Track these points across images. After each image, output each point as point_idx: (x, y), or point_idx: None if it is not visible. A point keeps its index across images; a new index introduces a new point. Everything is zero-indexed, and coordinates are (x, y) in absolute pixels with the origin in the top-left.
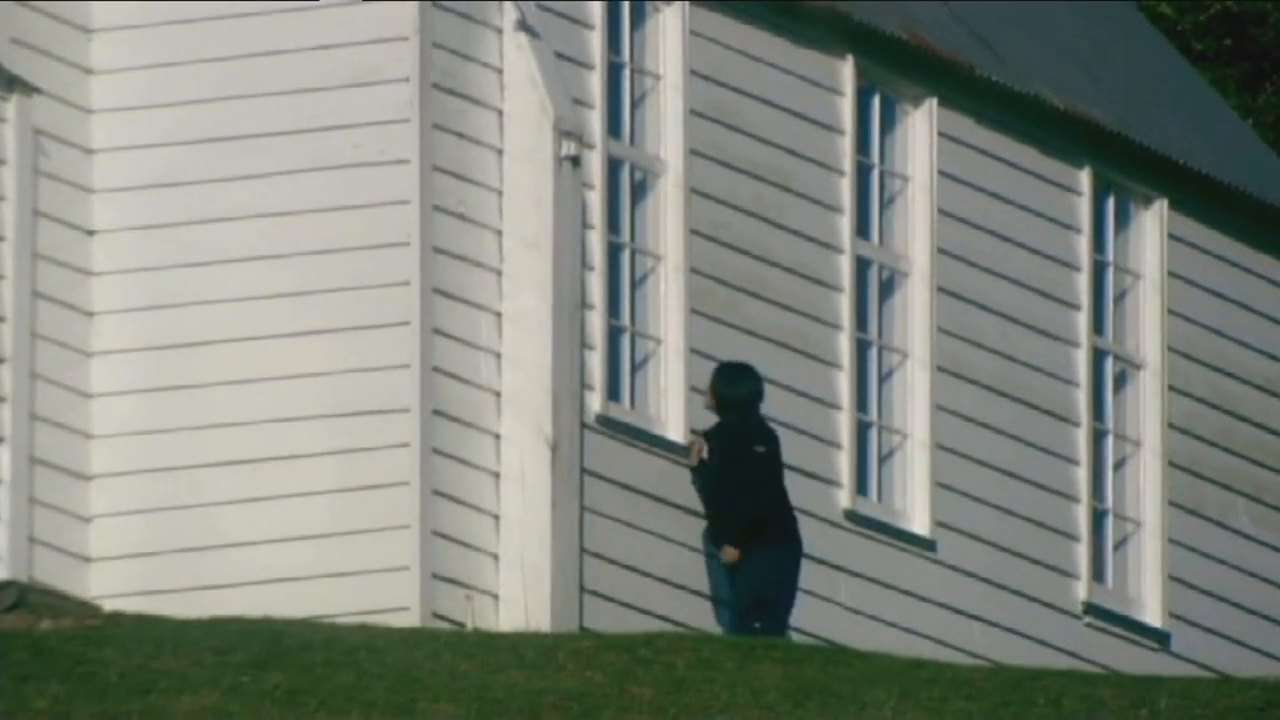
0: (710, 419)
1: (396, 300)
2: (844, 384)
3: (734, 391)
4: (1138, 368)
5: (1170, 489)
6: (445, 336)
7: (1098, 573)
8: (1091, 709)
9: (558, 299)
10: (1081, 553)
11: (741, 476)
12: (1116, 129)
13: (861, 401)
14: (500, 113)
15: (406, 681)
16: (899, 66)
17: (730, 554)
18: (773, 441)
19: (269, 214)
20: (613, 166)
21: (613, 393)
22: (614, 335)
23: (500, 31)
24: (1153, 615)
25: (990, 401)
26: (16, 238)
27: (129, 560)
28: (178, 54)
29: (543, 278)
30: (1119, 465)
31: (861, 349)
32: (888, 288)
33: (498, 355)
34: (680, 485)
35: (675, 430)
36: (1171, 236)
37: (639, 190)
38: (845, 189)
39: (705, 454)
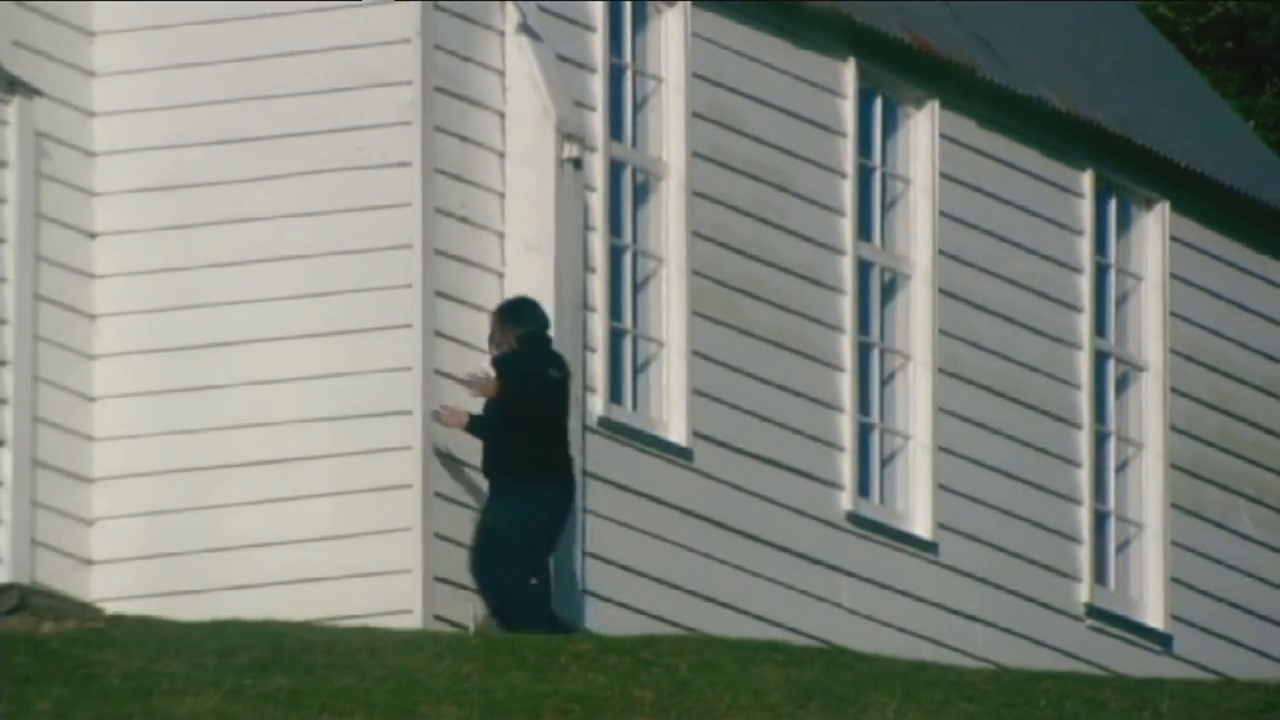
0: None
1: (398, 303)
2: (846, 386)
3: (525, 325)
4: (1139, 370)
5: (1172, 491)
6: (447, 339)
7: (1100, 575)
8: (1093, 711)
9: (559, 301)
10: (1083, 555)
11: (535, 400)
12: (1118, 131)
13: (863, 403)
14: (502, 115)
15: (408, 684)
16: (900, 69)
17: (454, 413)
18: (564, 368)
19: (271, 217)
20: (614, 169)
21: (615, 395)
22: (616, 337)
23: (502, 34)
24: (1155, 617)
25: (992, 404)
26: (18, 240)
27: (131, 563)
28: (179, 56)
29: (544, 280)
30: (1121, 467)
31: (863, 351)
32: (889, 290)
33: None
34: (682, 487)
35: (677, 433)
36: (1173, 239)
37: (641, 192)
38: (847, 191)
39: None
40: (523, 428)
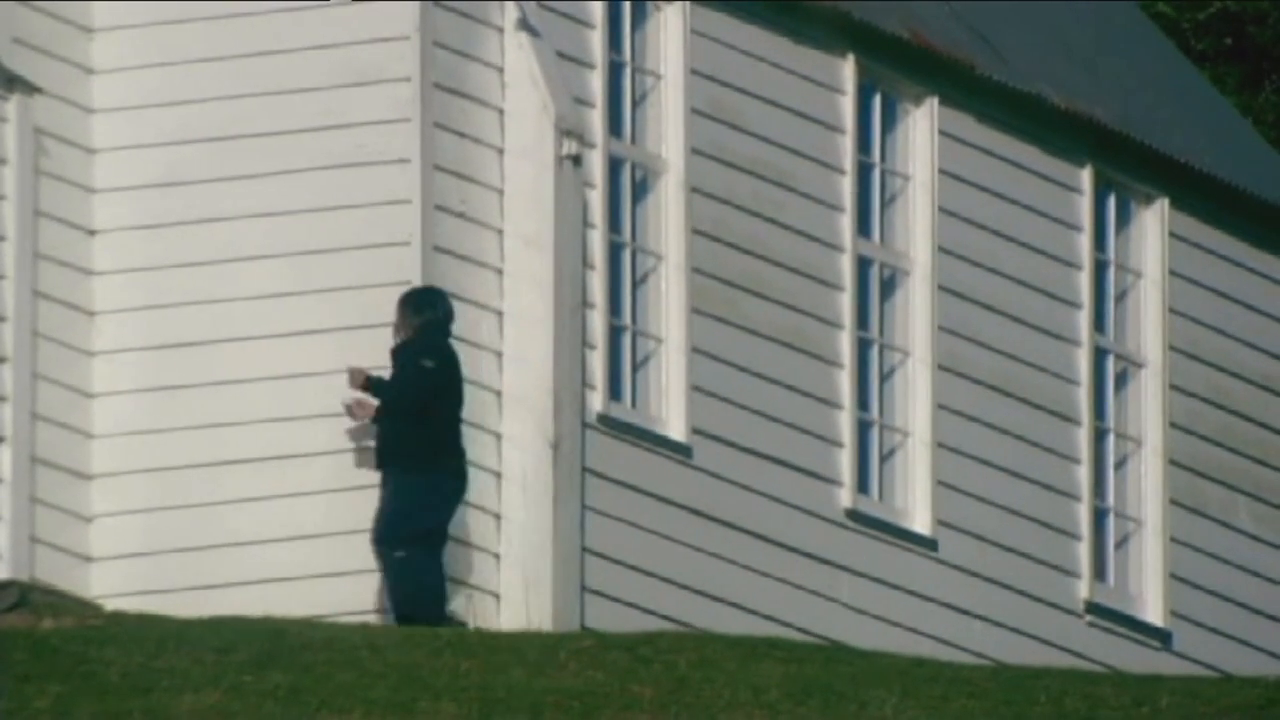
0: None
1: (398, 299)
2: (845, 383)
3: (423, 315)
4: (1139, 366)
5: (1171, 487)
6: None
7: (1099, 571)
8: (1093, 707)
9: (559, 298)
10: (1083, 551)
11: (405, 390)
12: (1117, 128)
13: (863, 400)
14: (501, 112)
15: (408, 681)
16: (900, 65)
17: (362, 405)
18: (445, 359)
19: (270, 213)
20: (614, 165)
21: (614, 392)
22: (615, 334)
23: (501, 31)
24: (1154, 614)
25: (991, 400)
26: (18, 237)
27: (130, 559)
28: (179, 53)
29: (544, 277)
30: (1120, 464)
31: (863, 348)
32: (889, 286)
33: (499, 354)
34: (682, 484)
35: (677, 429)
36: (1172, 235)
37: (640, 189)
38: (846, 188)
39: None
40: (403, 418)
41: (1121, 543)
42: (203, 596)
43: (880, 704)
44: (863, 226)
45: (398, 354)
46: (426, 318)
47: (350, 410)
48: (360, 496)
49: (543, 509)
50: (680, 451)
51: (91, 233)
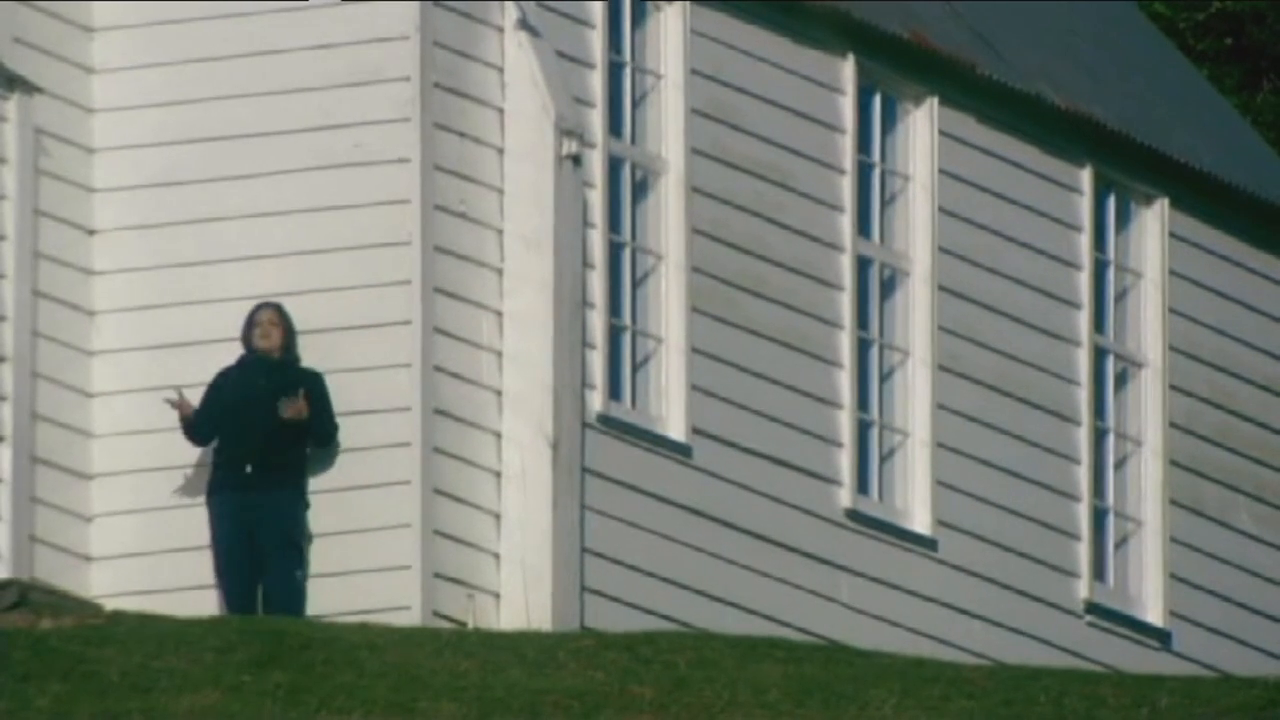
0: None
1: (398, 299)
2: (845, 383)
3: (293, 334)
4: (1139, 366)
5: (1171, 488)
6: (446, 335)
7: (1099, 571)
8: (1092, 708)
9: (559, 298)
10: (1082, 551)
11: (333, 420)
12: (1117, 128)
13: (862, 400)
14: (501, 111)
15: (407, 680)
16: (900, 65)
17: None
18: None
19: (269, 213)
20: (614, 165)
21: (614, 392)
22: (615, 334)
23: (501, 30)
24: (1154, 614)
25: (991, 400)
26: (17, 237)
27: (130, 559)
28: (178, 53)
29: (544, 277)
30: (1120, 464)
31: (862, 348)
32: (889, 286)
33: (499, 354)
34: (681, 484)
35: (677, 429)
36: (1172, 235)
37: (640, 189)
38: (846, 188)
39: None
40: (304, 438)
41: (1121, 543)
42: (202, 596)
43: (880, 704)
44: (863, 226)
45: (285, 368)
46: (293, 338)
47: (176, 400)
48: (360, 496)
49: (542, 509)
50: (680, 451)
51: (91, 233)
